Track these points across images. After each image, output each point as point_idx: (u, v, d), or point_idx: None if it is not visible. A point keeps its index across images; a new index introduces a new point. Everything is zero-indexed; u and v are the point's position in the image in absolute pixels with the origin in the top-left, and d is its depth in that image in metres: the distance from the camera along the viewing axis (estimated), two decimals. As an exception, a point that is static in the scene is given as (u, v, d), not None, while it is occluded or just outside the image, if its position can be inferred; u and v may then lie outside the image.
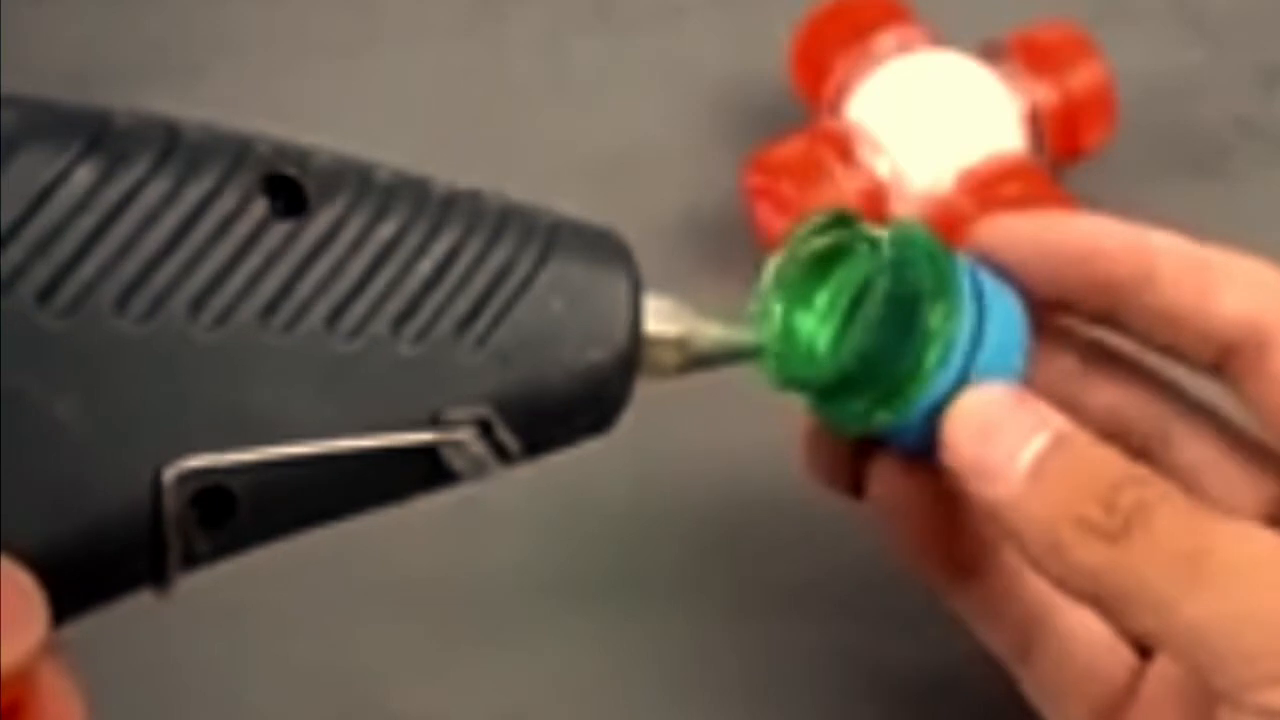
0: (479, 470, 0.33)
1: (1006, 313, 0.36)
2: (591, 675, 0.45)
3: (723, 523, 0.47)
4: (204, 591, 0.32)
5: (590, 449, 0.48)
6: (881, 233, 0.36)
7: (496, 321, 0.33)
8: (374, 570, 0.47)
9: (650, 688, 0.45)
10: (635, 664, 0.45)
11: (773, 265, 0.37)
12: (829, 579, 0.46)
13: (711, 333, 0.36)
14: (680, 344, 0.35)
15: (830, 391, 0.37)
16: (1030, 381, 0.37)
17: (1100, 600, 0.34)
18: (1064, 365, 0.39)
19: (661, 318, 0.35)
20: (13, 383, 0.29)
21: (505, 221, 0.33)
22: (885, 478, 0.39)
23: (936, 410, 0.35)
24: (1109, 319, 0.38)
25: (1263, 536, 0.33)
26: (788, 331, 0.37)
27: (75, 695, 0.30)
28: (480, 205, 0.33)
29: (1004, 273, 0.37)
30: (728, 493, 0.47)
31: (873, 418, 0.36)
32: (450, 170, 0.34)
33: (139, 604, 0.31)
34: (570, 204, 0.35)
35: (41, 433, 0.30)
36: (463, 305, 0.32)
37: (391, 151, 0.35)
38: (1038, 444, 0.34)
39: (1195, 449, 0.39)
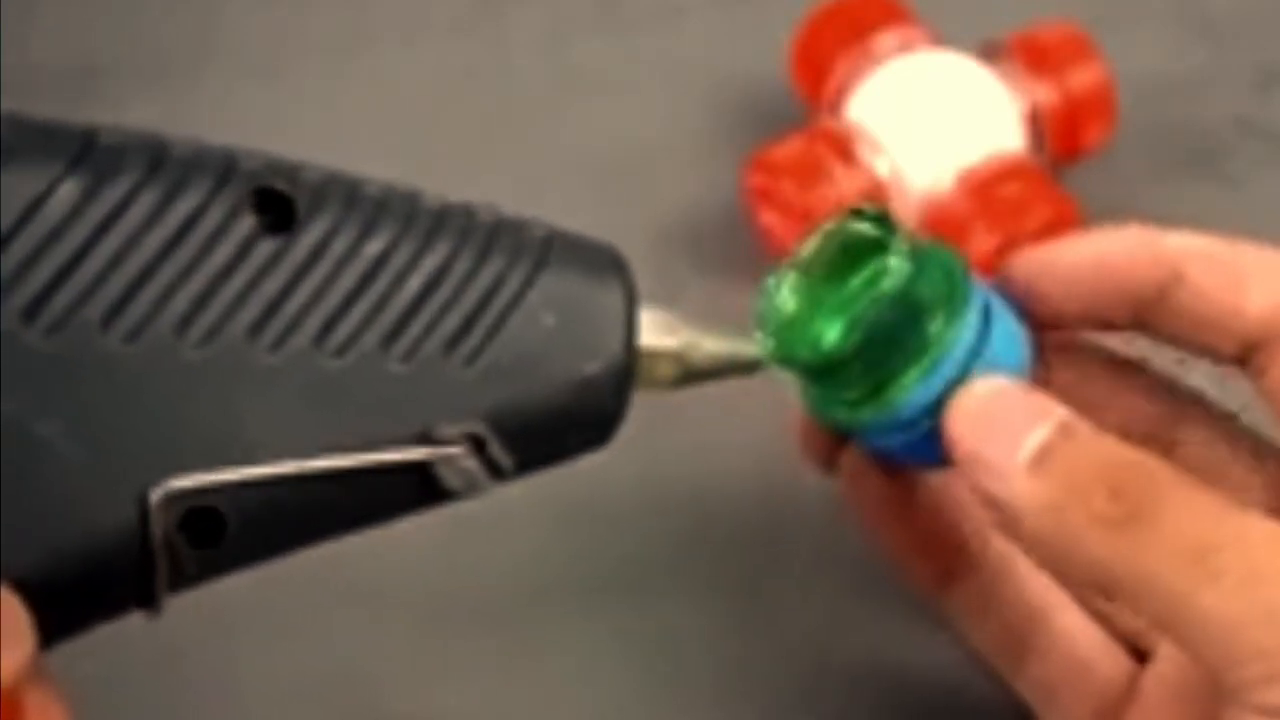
0: (472, 487, 0.33)
1: (1009, 339, 0.36)
2: (592, 674, 0.45)
3: (727, 520, 0.47)
4: (198, 596, 0.32)
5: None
6: (909, 239, 0.36)
7: (488, 337, 0.32)
8: (369, 570, 0.46)
9: (653, 687, 0.45)
10: (637, 663, 0.45)
11: (809, 241, 0.37)
12: (837, 572, 0.46)
13: (709, 346, 0.35)
14: (677, 357, 0.35)
15: (820, 375, 0.37)
16: None
17: (1107, 590, 0.33)
18: (1071, 379, 0.39)
19: (657, 330, 0.34)
20: None
21: (496, 235, 0.33)
22: (857, 471, 0.39)
23: (915, 421, 0.35)
24: (1138, 327, 0.37)
25: (1273, 528, 0.32)
26: (799, 309, 0.37)
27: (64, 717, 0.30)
28: (471, 219, 0.33)
29: (1027, 302, 0.37)
30: (732, 490, 0.47)
31: (855, 412, 0.36)
32: (449, 170, 0.34)
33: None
34: (570, 204, 0.35)
35: (26, 453, 0.29)
36: (453, 321, 0.32)
37: (391, 151, 0.35)
38: (1041, 434, 0.34)
39: (1204, 449, 0.38)
